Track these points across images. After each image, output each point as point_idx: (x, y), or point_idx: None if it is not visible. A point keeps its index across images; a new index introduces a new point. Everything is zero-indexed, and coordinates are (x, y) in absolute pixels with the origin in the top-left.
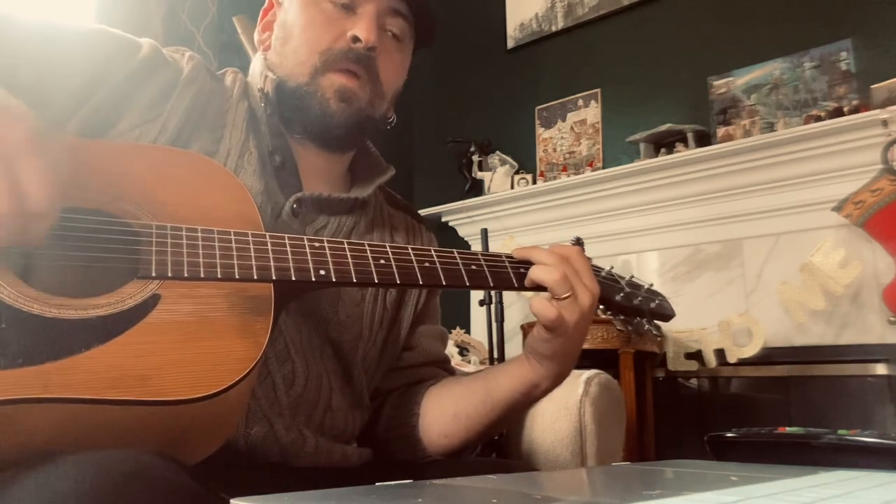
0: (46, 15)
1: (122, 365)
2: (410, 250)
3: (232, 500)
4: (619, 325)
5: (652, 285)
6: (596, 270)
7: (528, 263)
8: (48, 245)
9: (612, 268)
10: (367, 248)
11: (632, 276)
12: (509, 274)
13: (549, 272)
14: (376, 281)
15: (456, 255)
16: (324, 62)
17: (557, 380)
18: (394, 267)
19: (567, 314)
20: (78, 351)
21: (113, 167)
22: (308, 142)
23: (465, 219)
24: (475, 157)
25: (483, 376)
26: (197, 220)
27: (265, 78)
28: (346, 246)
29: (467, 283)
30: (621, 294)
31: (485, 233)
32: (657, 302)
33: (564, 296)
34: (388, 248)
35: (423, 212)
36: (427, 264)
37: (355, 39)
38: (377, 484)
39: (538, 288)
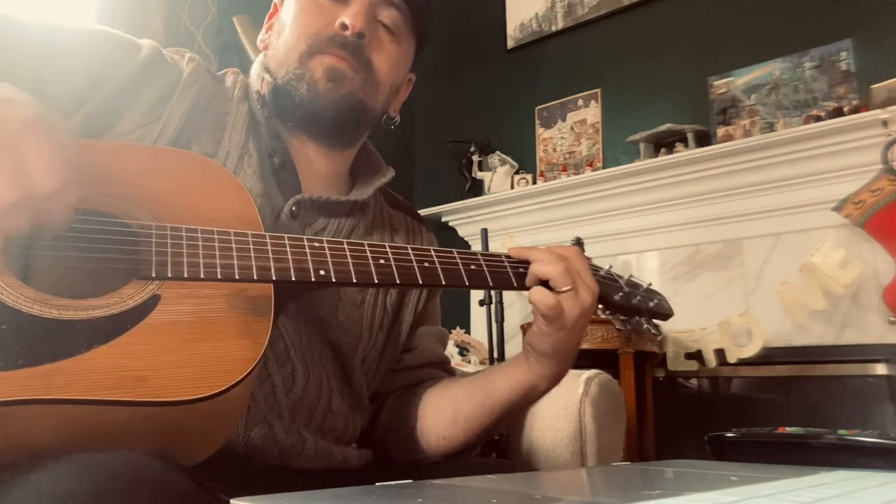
0: (47, 15)
1: (123, 366)
2: (410, 250)
3: (231, 501)
4: (618, 324)
5: (650, 284)
6: (595, 269)
7: (526, 263)
8: (48, 245)
9: (610, 267)
10: (366, 248)
11: (630, 276)
12: (508, 273)
13: (551, 265)
14: (376, 281)
15: (455, 254)
16: (310, 45)
17: (555, 380)
18: (393, 267)
19: (567, 306)
20: (78, 352)
21: (112, 167)
22: (304, 135)
23: (465, 219)
24: (475, 158)
25: (482, 377)
26: (196, 220)
27: (262, 80)
28: (345, 246)
29: (467, 283)
30: (620, 293)
31: (485, 233)
32: (656, 301)
33: (565, 289)
34: (387, 248)
35: (422, 212)
36: (426, 264)
37: (343, 27)
38: (377, 484)
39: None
